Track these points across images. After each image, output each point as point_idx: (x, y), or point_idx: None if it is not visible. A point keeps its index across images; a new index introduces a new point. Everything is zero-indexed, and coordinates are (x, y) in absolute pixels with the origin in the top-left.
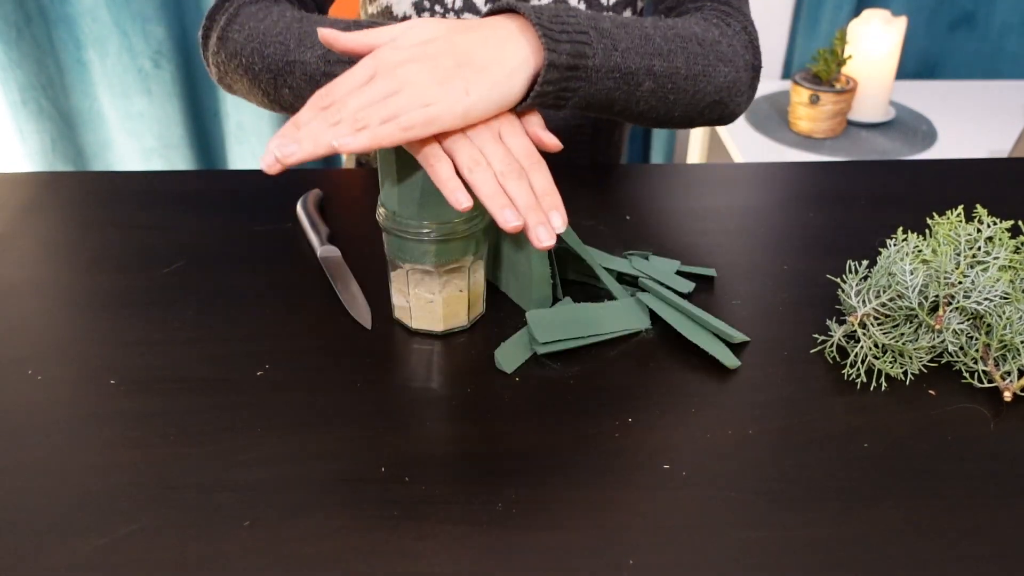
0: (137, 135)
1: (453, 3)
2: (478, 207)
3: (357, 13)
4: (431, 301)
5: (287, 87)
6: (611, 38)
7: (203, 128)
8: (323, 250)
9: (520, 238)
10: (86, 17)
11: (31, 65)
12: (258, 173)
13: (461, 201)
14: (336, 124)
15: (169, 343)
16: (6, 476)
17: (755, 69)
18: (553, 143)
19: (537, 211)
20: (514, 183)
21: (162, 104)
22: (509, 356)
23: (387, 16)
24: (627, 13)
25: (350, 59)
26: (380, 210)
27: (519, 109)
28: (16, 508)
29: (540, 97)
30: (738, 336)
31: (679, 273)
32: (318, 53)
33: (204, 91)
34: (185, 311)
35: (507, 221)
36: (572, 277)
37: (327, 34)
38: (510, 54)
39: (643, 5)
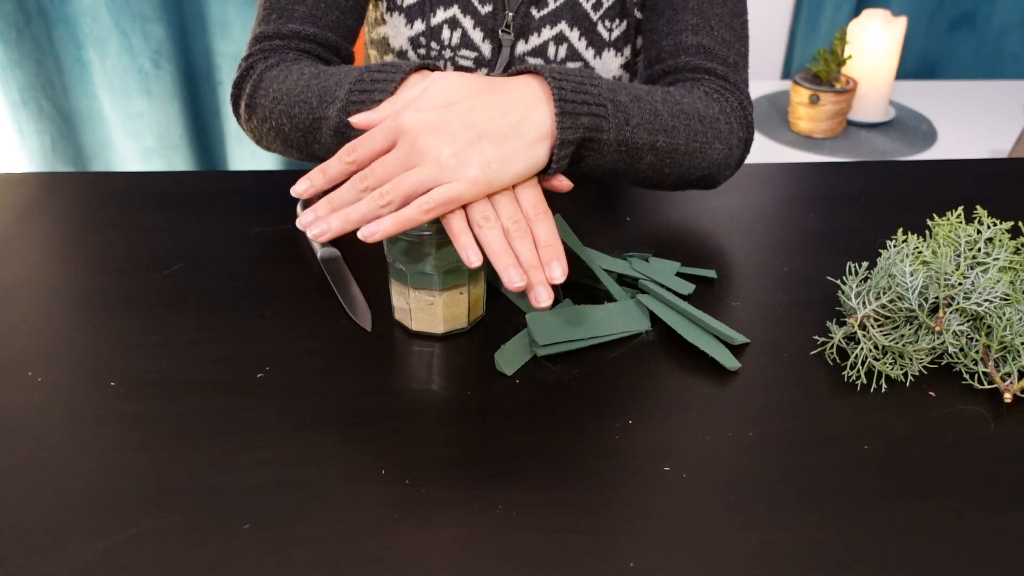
0: (137, 135)
1: (450, 40)
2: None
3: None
4: (431, 303)
5: (317, 143)
6: (625, 112)
7: (203, 128)
8: (323, 252)
9: None
10: (86, 17)
11: (31, 65)
12: (258, 173)
13: (472, 260)
14: (363, 192)
15: (169, 345)
16: (6, 477)
17: (746, 144)
18: (566, 186)
19: (538, 270)
20: (520, 242)
21: (162, 104)
22: (509, 358)
23: (385, 47)
24: (619, 64)
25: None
26: None
27: (541, 178)
28: (16, 510)
29: (557, 166)
30: (738, 338)
31: (679, 275)
32: (338, 107)
33: (204, 91)
34: (185, 312)
35: (512, 281)
36: (572, 279)
37: (359, 120)
38: (532, 126)
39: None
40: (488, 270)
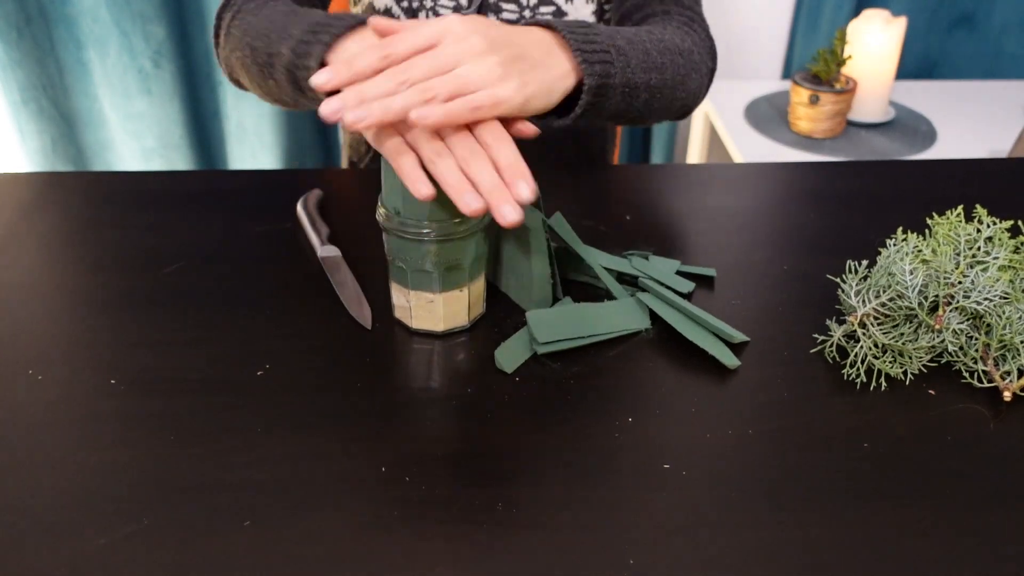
0: (137, 135)
1: None
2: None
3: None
4: (431, 301)
5: (272, 79)
6: (625, 56)
7: (203, 128)
8: (323, 250)
9: (520, 238)
10: (86, 17)
11: (31, 65)
12: (258, 173)
13: (421, 191)
14: (401, 85)
15: (169, 343)
16: (6, 476)
17: (712, 73)
18: (533, 131)
19: (500, 190)
20: (476, 165)
21: (162, 104)
22: (509, 356)
23: (371, 9)
24: (591, 10)
25: (319, 50)
26: (380, 210)
27: (556, 124)
28: (16, 508)
29: (581, 110)
30: (738, 336)
31: (679, 273)
32: (290, 45)
33: (204, 91)
34: (185, 311)
35: (467, 204)
36: (572, 277)
37: (317, 82)
38: (556, 62)
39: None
40: (488, 267)
